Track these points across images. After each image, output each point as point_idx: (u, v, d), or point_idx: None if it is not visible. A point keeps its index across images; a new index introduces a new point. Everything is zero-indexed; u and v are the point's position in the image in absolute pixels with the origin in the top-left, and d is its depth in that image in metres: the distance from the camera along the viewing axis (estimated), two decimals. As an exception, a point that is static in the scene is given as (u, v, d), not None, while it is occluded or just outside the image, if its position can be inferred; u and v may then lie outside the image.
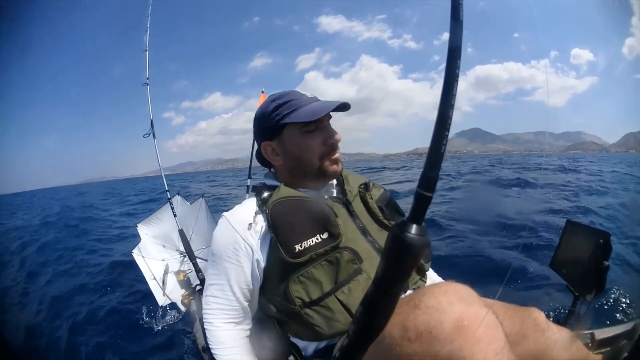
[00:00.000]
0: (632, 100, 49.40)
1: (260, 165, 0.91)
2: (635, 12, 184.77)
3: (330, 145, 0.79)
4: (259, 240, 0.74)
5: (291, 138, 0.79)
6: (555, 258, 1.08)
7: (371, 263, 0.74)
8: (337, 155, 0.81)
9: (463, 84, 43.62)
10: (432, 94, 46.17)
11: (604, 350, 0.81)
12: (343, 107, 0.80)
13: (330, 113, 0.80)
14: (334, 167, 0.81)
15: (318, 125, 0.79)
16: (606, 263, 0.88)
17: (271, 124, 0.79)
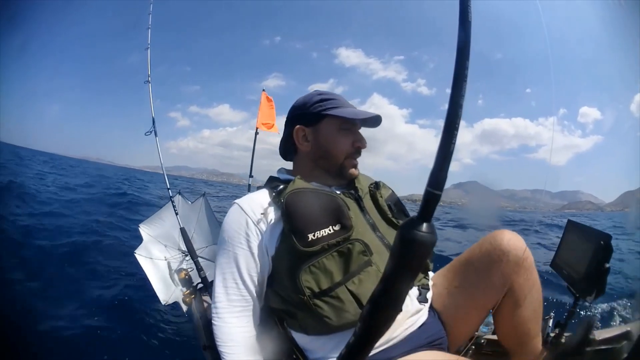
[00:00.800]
0: (633, 158, 49.58)
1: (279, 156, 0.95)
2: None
3: (357, 148, 0.85)
4: (270, 229, 0.75)
5: (327, 129, 0.84)
6: (556, 258, 1.08)
7: (380, 257, 0.76)
8: (357, 161, 0.87)
9: (469, 136, 41.26)
10: (436, 142, 45.57)
11: (604, 347, 0.81)
12: (377, 120, 0.87)
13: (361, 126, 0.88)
14: (353, 170, 0.86)
15: (352, 128, 0.85)
16: (607, 265, 0.88)
17: (313, 111, 0.84)
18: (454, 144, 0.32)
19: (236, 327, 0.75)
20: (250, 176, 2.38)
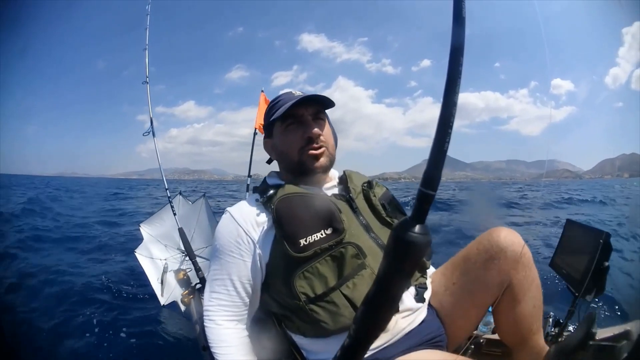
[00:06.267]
0: (611, 127, 48.92)
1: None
2: (625, 42, 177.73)
3: (307, 138, 0.79)
4: (262, 236, 0.75)
5: (277, 134, 0.85)
6: (555, 257, 1.07)
7: (375, 259, 0.75)
8: (318, 151, 0.80)
9: (436, 112, 41.66)
10: (404, 120, 43.42)
11: (605, 343, 0.81)
12: (324, 102, 0.83)
13: (323, 111, 0.85)
14: (314, 162, 0.80)
15: (298, 120, 0.81)
16: (606, 263, 0.88)
17: (266, 122, 0.87)
18: (448, 142, 0.31)
19: (227, 329, 0.76)
20: (249, 176, 2.38)
